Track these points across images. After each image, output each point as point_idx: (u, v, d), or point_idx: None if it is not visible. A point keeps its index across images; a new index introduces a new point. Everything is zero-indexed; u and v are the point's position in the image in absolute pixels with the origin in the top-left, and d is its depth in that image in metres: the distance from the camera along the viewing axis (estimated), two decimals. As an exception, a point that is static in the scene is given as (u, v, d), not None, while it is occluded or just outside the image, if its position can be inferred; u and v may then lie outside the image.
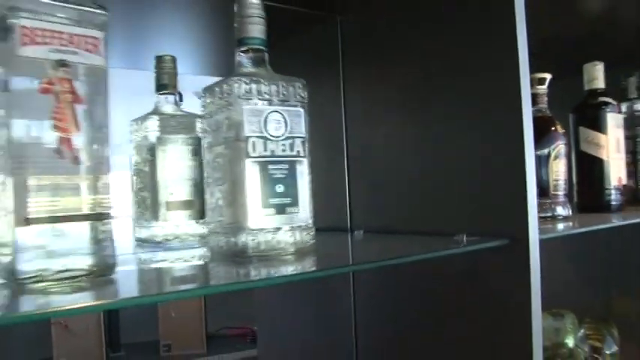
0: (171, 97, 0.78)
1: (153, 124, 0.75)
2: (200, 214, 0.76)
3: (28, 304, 0.41)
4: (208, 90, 0.60)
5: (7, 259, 0.45)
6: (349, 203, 0.87)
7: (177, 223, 0.74)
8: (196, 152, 0.76)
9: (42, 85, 0.44)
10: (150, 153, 0.74)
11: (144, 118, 0.75)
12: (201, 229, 0.76)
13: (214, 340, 2.22)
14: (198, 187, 0.76)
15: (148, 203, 0.75)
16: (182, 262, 0.63)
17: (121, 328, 2.06)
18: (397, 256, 0.57)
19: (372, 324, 0.83)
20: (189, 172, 0.75)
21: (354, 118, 0.86)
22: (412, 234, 0.74)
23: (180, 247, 0.73)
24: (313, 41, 0.91)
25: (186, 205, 0.75)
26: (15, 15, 0.43)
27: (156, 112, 0.77)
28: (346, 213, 0.86)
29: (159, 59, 0.78)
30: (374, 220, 0.82)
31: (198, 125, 0.77)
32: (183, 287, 0.45)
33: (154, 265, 0.61)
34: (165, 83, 0.77)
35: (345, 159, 0.87)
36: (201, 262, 0.61)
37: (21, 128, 0.44)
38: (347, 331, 0.86)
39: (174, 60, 0.78)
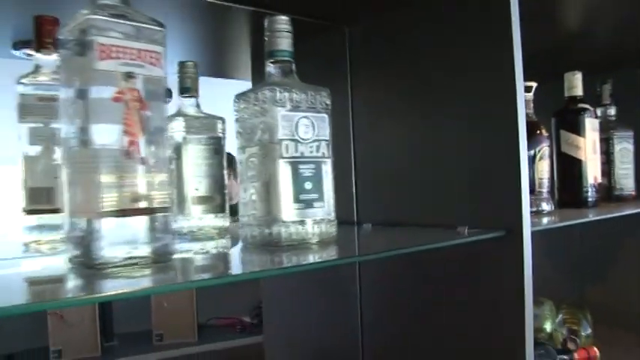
0: (193, 100, 0.84)
1: (178, 125, 0.81)
2: (220, 208, 0.82)
3: (111, 285, 0.48)
4: (242, 96, 0.67)
5: (79, 247, 0.52)
6: (356, 198, 0.94)
7: (200, 216, 0.81)
8: (217, 151, 0.83)
9: (115, 95, 0.50)
10: (175, 152, 0.81)
11: (169, 119, 0.81)
12: (221, 221, 0.82)
13: (205, 330, 2.28)
14: (219, 183, 0.82)
15: (174, 198, 0.81)
16: (210, 251, 0.69)
17: (114, 318, 2.11)
18: (410, 245, 0.65)
19: (377, 311, 0.90)
20: (212, 170, 0.82)
21: (361, 119, 0.94)
22: (415, 227, 0.82)
23: (203, 239, 0.80)
24: (323, 50, 0.97)
25: (209, 200, 0.81)
26: (93, 33, 0.49)
27: (180, 113, 0.82)
28: (353, 207, 0.94)
29: (182, 65, 0.83)
30: (378, 214, 0.90)
31: (219, 126, 0.83)
32: (250, 270, 0.52)
33: (191, 255, 0.67)
34: (188, 87, 0.83)
35: (352, 157, 0.94)
36: (237, 251, 0.68)
37: (96, 132, 0.50)
38: (353, 318, 0.93)
39: (195, 65, 0.84)
